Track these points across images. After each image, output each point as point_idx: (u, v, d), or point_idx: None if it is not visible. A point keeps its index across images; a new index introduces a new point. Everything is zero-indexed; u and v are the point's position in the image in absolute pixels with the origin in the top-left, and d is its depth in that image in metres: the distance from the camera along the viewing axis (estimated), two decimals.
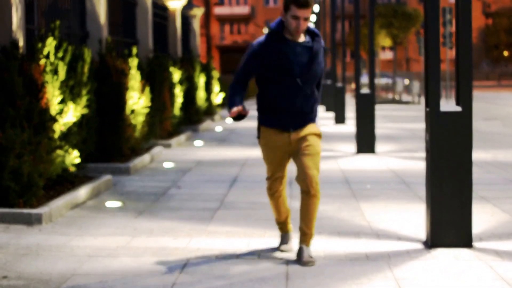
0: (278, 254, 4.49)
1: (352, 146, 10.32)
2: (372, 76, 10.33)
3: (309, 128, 4.32)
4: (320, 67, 4.29)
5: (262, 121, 4.37)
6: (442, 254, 4.45)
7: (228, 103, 4.27)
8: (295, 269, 4.16)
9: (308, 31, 4.29)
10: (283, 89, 4.24)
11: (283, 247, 4.56)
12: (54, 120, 6.13)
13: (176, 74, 12.19)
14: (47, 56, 6.16)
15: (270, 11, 62.69)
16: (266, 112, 4.34)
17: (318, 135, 4.34)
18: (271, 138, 4.33)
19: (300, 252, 4.30)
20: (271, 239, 4.87)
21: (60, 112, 6.30)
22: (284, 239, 4.60)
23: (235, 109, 4.14)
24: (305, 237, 4.32)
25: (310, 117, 4.35)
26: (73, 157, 6.44)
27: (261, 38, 4.34)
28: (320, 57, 4.28)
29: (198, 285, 3.88)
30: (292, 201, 6.33)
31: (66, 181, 6.50)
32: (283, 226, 4.60)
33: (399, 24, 29.88)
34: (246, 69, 4.31)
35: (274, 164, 4.38)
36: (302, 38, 4.24)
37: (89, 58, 7.03)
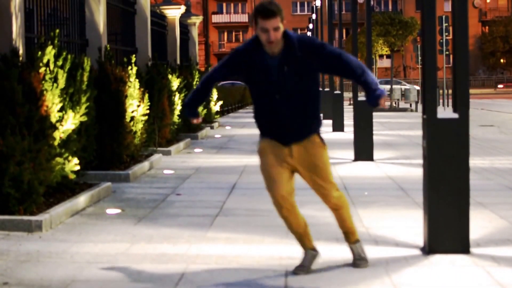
0: (277, 261, 4.51)
1: (350, 153, 10.35)
2: None
3: (310, 142, 4.12)
4: (307, 78, 4.02)
5: (260, 130, 4.22)
6: (440, 260, 4.48)
7: (187, 108, 4.33)
8: (294, 275, 4.18)
9: (288, 41, 3.97)
10: (265, 105, 4.07)
11: (298, 269, 4.22)
12: (54, 127, 6.16)
13: (175, 82, 12.24)
14: (47, 64, 6.20)
15: None
16: (259, 123, 4.19)
17: (321, 145, 4.14)
18: (270, 144, 4.15)
19: (352, 252, 4.36)
20: (270, 245, 4.90)
21: (60, 119, 6.33)
22: (306, 257, 4.26)
23: (195, 121, 4.36)
24: (347, 236, 4.32)
25: (309, 130, 4.12)
26: (73, 164, 6.47)
27: (244, 44, 4.10)
28: (305, 66, 3.99)
29: None
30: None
31: (66, 189, 6.53)
32: (301, 241, 4.28)
33: (396, 32, 30.01)
34: (216, 71, 4.18)
35: (273, 174, 4.07)
36: (278, 49, 3.96)
37: (88, 66, 7.06)
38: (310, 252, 4.27)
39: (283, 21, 3.95)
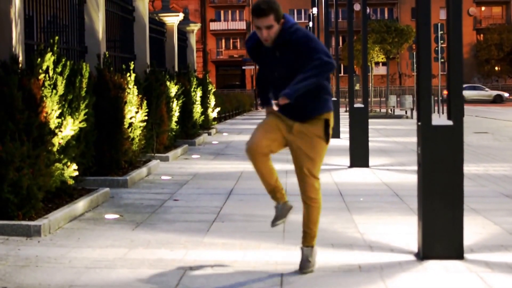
0: (273, 266, 4.56)
1: (346, 160, 10.41)
2: (365, 91, 10.46)
3: (313, 128, 4.26)
4: (301, 62, 4.14)
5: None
6: (434, 265, 4.53)
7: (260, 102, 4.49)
8: (290, 281, 4.23)
9: (283, 27, 4.15)
10: (270, 82, 4.37)
11: (275, 221, 4.41)
12: (53, 133, 6.21)
13: (173, 89, 12.30)
14: (46, 71, 6.25)
15: None
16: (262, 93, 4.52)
17: (321, 139, 4.26)
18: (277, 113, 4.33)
19: (301, 255, 4.36)
20: (266, 251, 4.94)
21: (59, 126, 6.39)
22: (278, 209, 4.40)
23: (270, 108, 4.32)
24: (304, 237, 4.36)
25: (310, 111, 4.25)
26: (72, 170, 6.52)
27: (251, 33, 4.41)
28: (296, 51, 4.14)
29: None
30: None
31: (64, 194, 6.57)
32: (273, 194, 4.39)
33: (392, 39, 30.14)
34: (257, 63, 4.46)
35: (263, 128, 4.28)
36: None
37: (87, 72, 7.12)
38: (285, 204, 4.38)
39: (279, 20, 4.12)
